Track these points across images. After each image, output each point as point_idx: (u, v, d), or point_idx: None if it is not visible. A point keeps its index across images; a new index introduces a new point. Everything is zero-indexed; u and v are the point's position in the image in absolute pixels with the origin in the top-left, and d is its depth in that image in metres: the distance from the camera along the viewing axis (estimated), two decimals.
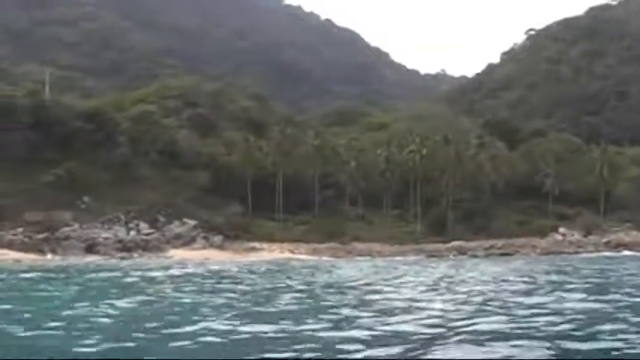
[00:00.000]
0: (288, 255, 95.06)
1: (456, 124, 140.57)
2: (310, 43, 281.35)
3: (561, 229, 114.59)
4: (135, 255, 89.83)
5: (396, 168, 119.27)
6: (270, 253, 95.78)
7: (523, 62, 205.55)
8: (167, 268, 58.72)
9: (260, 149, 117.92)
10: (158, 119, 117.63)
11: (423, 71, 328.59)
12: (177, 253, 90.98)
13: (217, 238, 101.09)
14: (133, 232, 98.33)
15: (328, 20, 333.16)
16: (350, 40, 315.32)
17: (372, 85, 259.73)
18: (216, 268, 58.90)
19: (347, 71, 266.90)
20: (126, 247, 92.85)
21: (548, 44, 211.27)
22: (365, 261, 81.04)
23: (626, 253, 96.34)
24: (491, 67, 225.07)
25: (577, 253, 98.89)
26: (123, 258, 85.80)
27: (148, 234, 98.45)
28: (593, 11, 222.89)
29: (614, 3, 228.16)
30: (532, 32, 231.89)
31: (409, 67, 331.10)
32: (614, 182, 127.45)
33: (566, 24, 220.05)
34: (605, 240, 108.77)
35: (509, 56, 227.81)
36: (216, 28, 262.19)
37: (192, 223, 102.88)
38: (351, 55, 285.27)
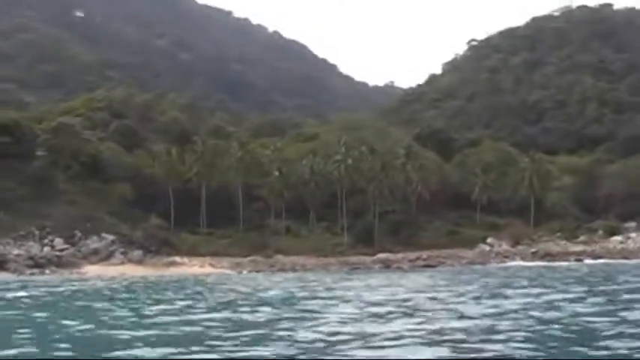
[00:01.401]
0: (209, 269, 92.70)
1: (388, 135, 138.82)
2: (257, 55, 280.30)
3: (489, 240, 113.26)
4: (46, 272, 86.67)
5: (321, 179, 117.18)
6: (190, 268, 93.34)
7: (464, 72, 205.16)
8: (57, 286, 56.21)
9: (182, 161, 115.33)
10: (79, 131, 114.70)
11: (371, 83, 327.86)
12: (92, 269, 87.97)
13: (136, 253, 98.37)
14: (47, 248, 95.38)
15: (276, 32, 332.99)
16: (298, 51, 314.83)
17: (320, 97, 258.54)
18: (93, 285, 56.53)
19: (294, 83, 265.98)
20: (37, 264, 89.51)
21: (489, 54, 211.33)
22: (273, 276, 78.71)
23: (553, 264, 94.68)
24: (433, 78, 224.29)
25: (503, 262, 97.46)
26: (32, 274, 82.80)
27: (62, 250, 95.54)
28: (535, 22, 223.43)
29: (557, 14, 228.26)
30: (474, 42, 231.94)
31: (358, 78, 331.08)
32: (544, 192, 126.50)
33: (508, 34, 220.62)
34: (532, 250, 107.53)
35: (450, 66, 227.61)
36: (160, 40, 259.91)
37: (110, 237, 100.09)
38: (299, 67, 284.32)
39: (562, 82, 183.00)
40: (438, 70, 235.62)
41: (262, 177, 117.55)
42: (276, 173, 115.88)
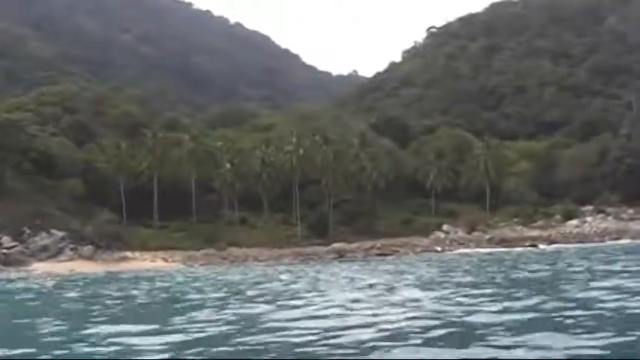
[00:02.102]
0: (160, 264, 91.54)
1: (343, 124, 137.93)
2: (218, 46, 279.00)
3: (445, 227, 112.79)
4: None
5: (273, 170, 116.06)
6: (141, 263, 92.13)
7: (423, 60, 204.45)
8: None
9: (133, 155, 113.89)
10: (26, 127, 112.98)
11: (335, 72, 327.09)
12: (40, 267, 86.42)
13: (87, 249, 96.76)
14: None
15: (238, 23, 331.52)
16: (260, 42, 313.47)
17: (282, 88, 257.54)
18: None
19: (256, 74, 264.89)
20: None
21: (448, 41, 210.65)
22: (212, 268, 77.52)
23: (506, 250, 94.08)
24: (392, 66, 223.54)
25: (451, 250, 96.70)
26: None
27: (9, 247, 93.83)
28: (493, 8, 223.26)
29: (516, 0, 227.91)
30: (433, 30, 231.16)
31: (321, 68, 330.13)
32: (500, 178, 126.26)
33: (467, 20, 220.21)
34: (488, 237, 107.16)
35: (410, 54, 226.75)
36: (121, 34, 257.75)
37: (60, 234, 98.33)
38: (261, 58, 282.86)
39: (520, 67, 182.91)
40: (399, 58, 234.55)
41: (215, 169, 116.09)
42: (228, 165, 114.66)
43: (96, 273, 73.88)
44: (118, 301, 31.45)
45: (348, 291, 29.45)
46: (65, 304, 32.12)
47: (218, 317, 20.88)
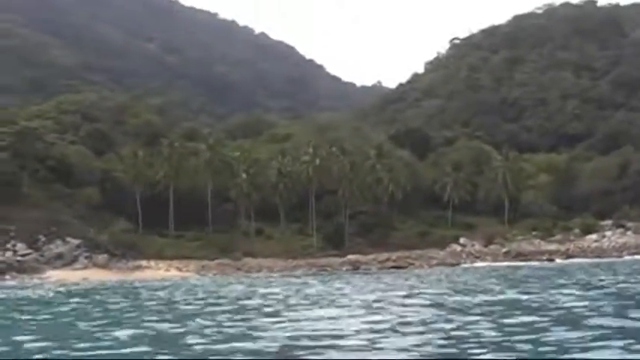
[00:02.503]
0: (174, 273, 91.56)
1: (362, 135, 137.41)
2: (243, 56, 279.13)
3: (462, 240, 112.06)
4: (6, 277, 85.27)
5: (289, 180, 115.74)
6: (155, 272, 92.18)
7: (445, 71, 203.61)
8: None
9: (150, 164, 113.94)
10: (45, 134, 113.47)
11: (359, 83, 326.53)
12: (54, 274, 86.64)
13: (101, 257, 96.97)
14: (9, 253, 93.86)
15: (263, 33, 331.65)
16: (285, 52, 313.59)
17: (306, 98, 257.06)
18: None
19: (280, 84, 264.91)
20: None
21: (470, 52, 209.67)
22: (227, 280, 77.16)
23: (521, 264, 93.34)
24: (415, 77, 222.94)
25: (466, 264, 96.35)
26: None
27: (24, 255, 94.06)
28: (516, 19, 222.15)
29: (540, 11, 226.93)
30: (456, 41, 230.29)
31: (345, 79, 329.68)
32: (518, 190, 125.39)
33: (490, 32, 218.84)
34: (504, 250, 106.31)
35: (432, 65, 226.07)
36: (145, 43, 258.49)
37: (75, 242, 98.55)
38: (286, 68, 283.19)
39: (542, 79, 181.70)
40: (422, 70, 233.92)
41: (231, 179, 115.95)
42: (244, 175, 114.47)
43: (104, 282, 73.70)
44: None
45: (322, 308, 28.98)
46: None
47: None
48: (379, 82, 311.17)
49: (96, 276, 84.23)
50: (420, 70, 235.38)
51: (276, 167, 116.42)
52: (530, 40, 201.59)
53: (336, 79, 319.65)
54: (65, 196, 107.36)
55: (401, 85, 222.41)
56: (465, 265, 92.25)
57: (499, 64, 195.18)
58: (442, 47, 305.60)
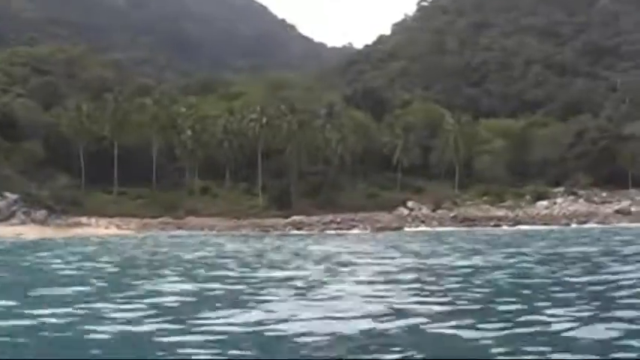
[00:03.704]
0: (113, 231, 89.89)
1: (316, 95, 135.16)
2: (213, 14, 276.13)
3: (410, 203, 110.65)
4: None
5: (235, 138, 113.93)
6: (95, 229, 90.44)
7: (411, 33, 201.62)
8: None
9: (94, 118, 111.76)
10: None
11: (330, 44, 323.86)
12: None
13: (40, 213, 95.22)
14: None
15: None
16: (256, 11, 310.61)
17: (276, 58, 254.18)
18: None
19: (250, 43, 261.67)
20: None
21: (437, 15, 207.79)
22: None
23: (468, 229, 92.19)
24: (381, 39, 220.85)
25: (418, 227, 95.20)
26: None
27: None
28: None
29: None
30: (424, 3, 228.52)
31: (316, 40, 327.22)
32: (472, 155, 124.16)
33: None
34: (452, 214, 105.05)
35: (399, 27, 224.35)
36: None
37: (13, 197, 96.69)
38: (256, 27, 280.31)
39: (507, 44, 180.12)
40: (387, 32, 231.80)
41: (177, 135, 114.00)
42: (189, 132, 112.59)
43: (37, 239, 71.84)
44: None
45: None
46: None
47: None
48: (350, 44, 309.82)
49: (32, 232, 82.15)
50: (388, 32, 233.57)
51: (222, 124, 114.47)
52: (497, 5, 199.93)
53: (307, 40, 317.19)
54: (6, 149, 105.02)
55: (366, 46, 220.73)
56: (408, 229, 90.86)
57: (465, 28, 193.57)
58: (410, 10, 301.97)
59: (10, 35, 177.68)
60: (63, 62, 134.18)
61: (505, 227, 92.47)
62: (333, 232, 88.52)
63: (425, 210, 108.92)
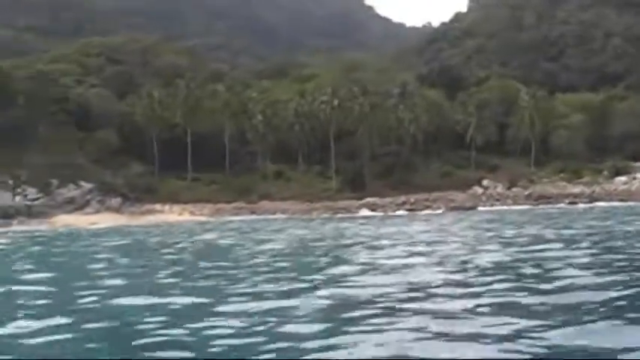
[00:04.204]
0: (187, 217, 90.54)
1: (388, 75, 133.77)
2: None
3: (485, 182, 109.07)
4: (13, 222, 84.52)
5: (306, 121, 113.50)
6: (167, 216, 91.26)
7: (487, 9, 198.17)
8: None
9: (166, 106, 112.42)
10: (62, 78, 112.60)
11: (409, 24, 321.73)
12: (61, 219, 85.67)
13: (114, 201, 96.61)
14: (18, 198, 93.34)
15: None
16: None
17: (354, 39, 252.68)
18: None
19: (328, 25, 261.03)
20: (6, 214, 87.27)
21: None
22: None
23: (540, 207, 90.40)
24: (457, 16, 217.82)
25: (492, 206, 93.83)
26: None
27: (35, 199, 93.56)
28: None
29: None
30: None
31: (395, 20, 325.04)
32: (548, 131, 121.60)
33: None
34: (527, 192, 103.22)
35: (475, 4, 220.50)
36: None
37: (88, 186, 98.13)
38: (334, 8, 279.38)
39: (585, 17, 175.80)
40: (464, 9, 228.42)
41: (249, 120, 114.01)
42: (259, 116, 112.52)
43: (108, 226, 72.56)
44: None
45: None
46: None
47: None
48: (429, 23, 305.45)
49: (105, 220, 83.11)
50: (464, 9, 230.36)
51: (293, 108, 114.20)
52: None
53: (385, 20, 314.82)
54: (81, 139, 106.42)
55: (443, 24, 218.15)
56: (482, 209, 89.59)
57: (542, 2, 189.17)
58: None
59: (86, 26, 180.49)
60: (136, 51, 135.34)
61: (581, 205, 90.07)
62: (404, 212, 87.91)
63: (500, 188, 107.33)
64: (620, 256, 19.07)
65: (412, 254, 22.84)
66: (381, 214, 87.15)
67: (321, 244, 30.83)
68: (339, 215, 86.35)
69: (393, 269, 18.17)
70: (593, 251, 21.04)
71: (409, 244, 28.11)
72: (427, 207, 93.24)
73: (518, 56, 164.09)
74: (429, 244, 28.03)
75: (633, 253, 20.36)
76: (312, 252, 26.44)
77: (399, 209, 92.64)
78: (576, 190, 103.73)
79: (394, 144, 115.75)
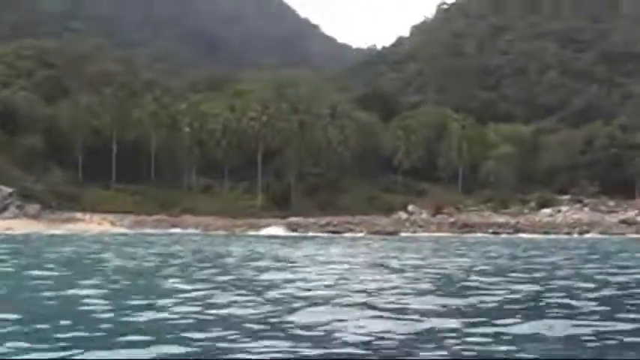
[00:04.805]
0: (106, 227, 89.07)
1: (323, 94, 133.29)
2: (235, 12, 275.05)
3: (410, 207, 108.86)
4: None
5: (233, 136, 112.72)
6: (87, 225, 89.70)
7: (429, 35, 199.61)
8: None
9: (94, 113, 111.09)
10: None
11: (354, 45, 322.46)
12: None
13: (33, 207, 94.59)
14: None
15: None
16: (279, 10, 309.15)
17: (298, 57, 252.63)
18: None
19: (272, 42, 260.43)
20: None
21: (457, 18, 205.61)
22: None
23: (464, 236, 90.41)
24: (400, 40, 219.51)
25: (415, 232, 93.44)
26: None
27: None
28: None
29: None
30: (444, 5, 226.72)
31: (340, 40, 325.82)
32: (477, 160, 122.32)
33: None
34: (451, 220, 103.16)
35: (418, 29, 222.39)
36: None
37: (8, 190, 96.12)
38: (279, 26, 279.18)
39: (525, 48, 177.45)
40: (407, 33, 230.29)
41: (176, 132, 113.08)
42: (187, 129, 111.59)
43: (22, 234, 71.04)
44: None
45: None
46: None
47: None
48: (374, 45, 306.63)
49: (22, 227, 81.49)
50: (406, 33, 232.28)
51: (221, 122, 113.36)
52: (519, 8, 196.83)
53: (330, 40, 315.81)
54: (4, 142, 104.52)
55: (384, 48, 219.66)
56: (404, 235, 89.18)
57: (484, 31, 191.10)
58: (430, 12, 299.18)
59: (26, 28, 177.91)
60: (71, 56, 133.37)
61: (504, 235, 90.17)
62: (325, 234, 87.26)
63: (425, 215, 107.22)
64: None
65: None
66: (295, 234, 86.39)
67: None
68: (251, 232, 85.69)
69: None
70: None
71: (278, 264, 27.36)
72: (350, 230, 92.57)
73: (456, 83, 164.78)
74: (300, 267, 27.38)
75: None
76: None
77: (322, 230, 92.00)
78: (501, 219, 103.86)
79: (323, 164, 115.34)
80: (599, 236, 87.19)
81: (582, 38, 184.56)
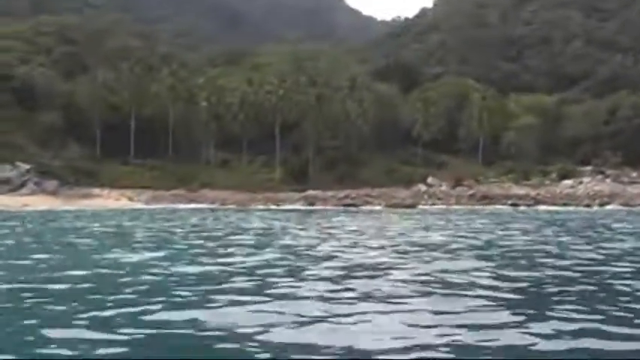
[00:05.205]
0: (124, 202, 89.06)
1: (342, 67, 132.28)
2: None
3: (429, 179, 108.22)
4: None
5: (251, 110, 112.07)
6: (105, 201, 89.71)
7: (452, 6, 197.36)
8: None
9: (110, 88, 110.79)
10: (8, 56, 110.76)
11: (379, 17, 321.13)
12: None
13: (50, 183, 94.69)
14: None
15: None
16: None
17: (322, 30, 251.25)
18: None
19: (297, 16, 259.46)
20: None
21: None
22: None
23: (482, 208, 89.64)
24: (423, 11, 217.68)
25: (433, 204, 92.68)
26: None
27: None
28: None
29: None
30: None
31: (365, 13, 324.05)
32: (498, 131, 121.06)
33: None
34: (470, 192, 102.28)
35: (442, 0, 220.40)
36: None
37: (25, 166, 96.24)
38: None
39: (549, 17, 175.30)
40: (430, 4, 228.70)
41: (194, 107, 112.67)
42: (204, 103, 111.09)
43: (38, 210, 71.07)
44: None
45: None
46: None
47: None
48: (399, 17, 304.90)
49: (39, 203, 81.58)
50: (430, 4, 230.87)
51: (238, 96, 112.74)
52: None
53: (355, 12, 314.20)
54: (23, 119, 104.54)
55: (407, 19, 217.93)
56: (422, 207, 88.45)
57: (507, 0, 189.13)
58: None
59: (46, 5, 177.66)
60: (90, 32, 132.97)
61: (522, 207, 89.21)
62: (341, 207, 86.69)
63: (444, 187, 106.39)
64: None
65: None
66: (311, 207, 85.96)
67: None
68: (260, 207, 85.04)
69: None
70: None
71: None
72: (368, 203, 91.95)
73: (478, 54, 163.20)
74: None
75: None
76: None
77: (339, 204, 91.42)
78: (521, 191, 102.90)
79: (342, 137, 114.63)
80: (620, 207, 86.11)
81: (606, 7, 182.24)
